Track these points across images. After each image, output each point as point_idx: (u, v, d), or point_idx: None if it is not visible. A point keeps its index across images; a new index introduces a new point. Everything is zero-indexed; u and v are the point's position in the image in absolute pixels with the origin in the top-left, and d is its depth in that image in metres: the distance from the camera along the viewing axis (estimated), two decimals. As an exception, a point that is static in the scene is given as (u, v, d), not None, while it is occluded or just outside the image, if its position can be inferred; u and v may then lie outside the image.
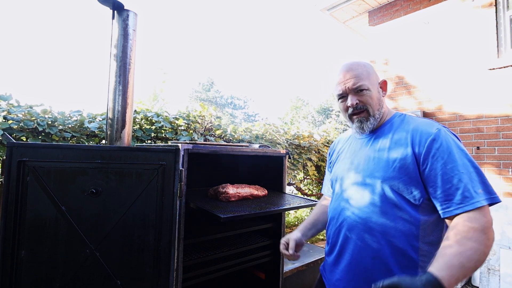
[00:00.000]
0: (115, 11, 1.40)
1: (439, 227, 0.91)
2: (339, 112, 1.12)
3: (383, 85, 1.06)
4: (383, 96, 1.05)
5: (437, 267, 0.70)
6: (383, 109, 1.04)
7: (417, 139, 0.89)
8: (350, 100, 0.99)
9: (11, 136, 1.76)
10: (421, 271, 0.87)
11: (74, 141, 2.14)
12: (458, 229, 0.76)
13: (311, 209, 4.67)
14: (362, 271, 0.93)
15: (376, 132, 1.04)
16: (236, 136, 3.16)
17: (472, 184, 0.78)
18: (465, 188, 0.78)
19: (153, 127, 2.55)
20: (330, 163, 1.25)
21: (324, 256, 1.31)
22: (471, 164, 0.82)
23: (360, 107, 1.00)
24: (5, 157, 1.05)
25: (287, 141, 3.60)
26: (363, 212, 0.95)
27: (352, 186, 1.01)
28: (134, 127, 2.42)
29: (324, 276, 1.11)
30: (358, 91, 0.99)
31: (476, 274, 2.67)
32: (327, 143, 4.10)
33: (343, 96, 1.02)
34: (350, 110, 1.01)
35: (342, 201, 1.04)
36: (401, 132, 0.96)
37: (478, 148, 2.96)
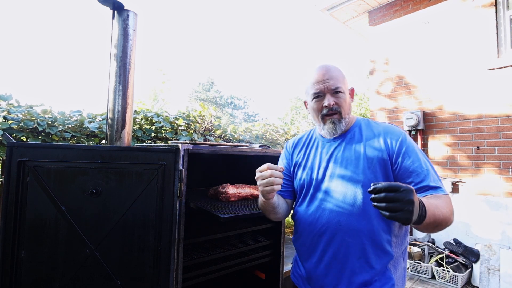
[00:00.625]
0: (115, 11, 1.40)
1: None
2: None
3: (351, 92, 1.11)
4: (351, 102, 1.10)
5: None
6: (350, 114, 1.09)
7: (388, 140, 0.98)
8: (328, 100, 1.01)
9: (11, 136, 1.76)
10: (392, 262, 0.95)
11: (74, 141, 2.14)
12: (429, 196, 0.87)
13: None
14: (349, 273, 0.95)
15: (346, 135, 1.07)
16: (236, 136, 3.16)
17: (434, 178, 0.91)
18: (430, 181, 0.89)
19: (153, 127, 2.55)
20: (292, 161, 1.19)
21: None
22: (429, 163, 0.95)
23: (335, 108, 1.02)
24: (5, 157, 1.05)
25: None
26: (347, 214, 0.96)
27: (331, 189, 1.01)
28: (134, 127, 2.42)
29: (299, 284, 1.09)
30: (335, 92, 1.01)
31: (476, 274, 2.67)
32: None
33: (319, 96, 1.03)
34: (325, 111, 1.03)
35: (321, 204, 1.02)
36: (371, 135, 1.02)
37: (478, 148, 2.96)
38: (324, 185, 1.03)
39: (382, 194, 0.65)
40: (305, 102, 1.14)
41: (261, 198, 1.02)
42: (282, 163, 1.25)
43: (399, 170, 0.93)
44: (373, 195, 0.67)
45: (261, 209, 1.10)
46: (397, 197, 0.64)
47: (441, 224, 0.79)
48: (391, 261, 0.95)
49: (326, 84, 1.01)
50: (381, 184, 0.66)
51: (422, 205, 0.72)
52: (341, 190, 0.98)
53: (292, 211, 1.19)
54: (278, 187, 0.91)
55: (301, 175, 1.12)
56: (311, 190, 1.07)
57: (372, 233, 0.93)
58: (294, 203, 1.17)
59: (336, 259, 0.96)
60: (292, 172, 1.19)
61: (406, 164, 0.92)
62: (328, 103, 1.01)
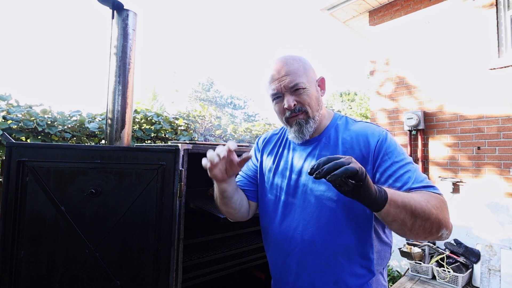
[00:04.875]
0: (115, 11, 1.39)
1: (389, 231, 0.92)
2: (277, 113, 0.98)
3: (321, 82, 0.96)
4: (322, 95, 0.95)
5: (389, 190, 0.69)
6: (322, 110, 0.94)
7: (367, 143, 0.86)
8: (287, 101, 0.87)
9: (10, 136, 1.75)
10: (373, 279, 0.86)
11: (73, 141, 2.14)
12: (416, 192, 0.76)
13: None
14: None
15: (321, 139, 0.93)
16: (236, 136, 3.16)
17: (418, 179, 0.79)
18: (413, 183, 0.79)
19: (153, 127, 2.55)
20: (262, 161, 1.07)
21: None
22: (412, 164, 0.84)
23: (299, 108, 0.88)
24: (4, 157, 1.04)
25: (287, 141, 3.59)
26: (323, 233, 0.85)
27: (304, 204, 0.89)
28: (134, 127, 2.42)
29: None
30: (295, 90, 0.87)
31: (477, 275, 2.66)
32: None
33: (278, 96, 0.90)
34: (288, 113, 0.90)
35: (294, 220, 0.90)
36: (349, 138, 0.89)
37: (478, 148, 2.95)
38: (297, 199, 0.91)
39: (324, 168, 0.60)
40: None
41: (214, 183, 0.93)
42: (250, 160, 1.11)
43: (378, 175, 0.82)
44: (315, 174, 0.61)
45: (215, 198, 1.00)
46: (336, 162, 0.60)
47: (418, 215, 0.68)
48: (372, 279, 0.86)
49: (282, 82, 0.87)
50: (317, 163, 0.61)
51: (378, 187, 0.67)
52: (315, 206, 0.87)
53: (261, 226, 1.06)
54: (216, 168, 0.81)
55: (271, 183, 1.00)
56: (282, 203, 0.95)
57: (350, 253, 0.84)
58: (263, 216, 1.04)
59: (311, 284, 0.87)
60: (260, 174, 1.06)
61: (385, 167, 0.81)
62: (288, 104, 0.87)
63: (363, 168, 0.62)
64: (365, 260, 0.85)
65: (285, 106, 0.88)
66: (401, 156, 0.83)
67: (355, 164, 0.60)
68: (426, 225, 0.70)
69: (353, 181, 0.61)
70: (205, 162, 0.81)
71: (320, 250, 0.85)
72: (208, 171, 0.84)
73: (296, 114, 0.89)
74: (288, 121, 0.92)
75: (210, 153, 0.81)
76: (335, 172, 0.59)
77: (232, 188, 0.94)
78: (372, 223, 0.85)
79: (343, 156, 0.62)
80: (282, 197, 0.95)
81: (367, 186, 0.63)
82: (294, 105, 0.88)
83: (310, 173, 0.63)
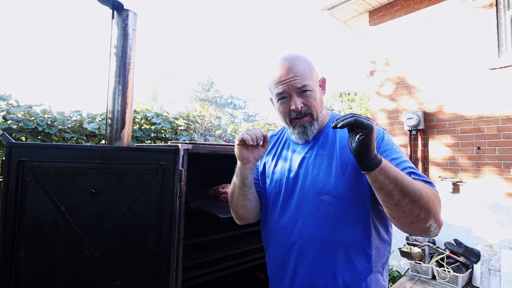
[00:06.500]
0: (115, 11, 1.39)
1: (389, 226, 0.92)
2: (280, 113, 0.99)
3: (323, 83, 0.98)
4: (322, 96, 0.97)
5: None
6: (323, 112, 0.97)
7: None
8: (295, 103, 0.88)
9: (10, 136, 1.75)
10: (371, 276, 0.86)
11: (73, 141, 2.14)
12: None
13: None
14: None
15: (319, 137, 0.95)
16: (236, 136, 3.16)
17: (418, 175, 0.80)
18: (416, 174, 0.79)
19: (153, 127, 2.55)
20: (262, 161, 1.10)
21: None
22: (410, 162, 0.85)
23: (304, 111, 0.90)
24: (4, 157, 1.04)
25: (287, 141, 3.59)
26: (321, 229, 0.86)
27: (302, 200, 0.91)
28: (133, 127, 2.42)
29: None
30: (302, 91, 0.88)
31: (477, 275, 2.66)
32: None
33: (284, 97, 0.91)
34: (294, 114, 0.91)
35: (293, 217, 0.92)
36: (346, 135, 0.89)
37: (478, 148, 2.95)
38: (295, 196, 0.93)
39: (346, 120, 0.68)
40: (271, 99, 1.01)
41: (236, 173, 0.96)
42: None
43: None
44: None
45: (230, 194, 1.01)
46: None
47: (408, 193, 0.68)
48: (370, 276, 0.86)
49: (291, 83, 0.88)
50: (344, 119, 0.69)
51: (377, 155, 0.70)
52: (312, 202, 0.88)
53: (262, 225, 1.07)
54: (254, 142, 0.87)
55: (270, 181, 1.02)
56: (281, 200, 0.96)
57: (348, 249, 0.85)
58: (263, 214, 1.05)
59: (310, 279, 0.87)
60: (261, 174, 1.08)
61: None
62: (296, 106, 0.88)
63: (373, 126, 0.67)
64: (363, 256, 0.86)
65: (293, 107, 0.89)
66: (398, 153, 0.85)
67: (369, 122, 0.67)
68: (413, 207, 0.69)
69: (359, 130, 0.68)
70: (246, 137, 0.86)
71: (318, 245, 0.86)
72: (239, 152, 0.89)
73: (302, 116, 0.91)
74: (291, 122, 0.94)
75: (249, 133, 0.87)
76: (346, 120, 0.67)
77: (252, 177, 0.97)
78: (369, 219, 0.86)
79: (368, 118, 0.69)
80: (281, 195, 0.96)
81: (369, 140, 0.67)
82: (301, 107, 0.89)
83: (332, 126, 0.71)
